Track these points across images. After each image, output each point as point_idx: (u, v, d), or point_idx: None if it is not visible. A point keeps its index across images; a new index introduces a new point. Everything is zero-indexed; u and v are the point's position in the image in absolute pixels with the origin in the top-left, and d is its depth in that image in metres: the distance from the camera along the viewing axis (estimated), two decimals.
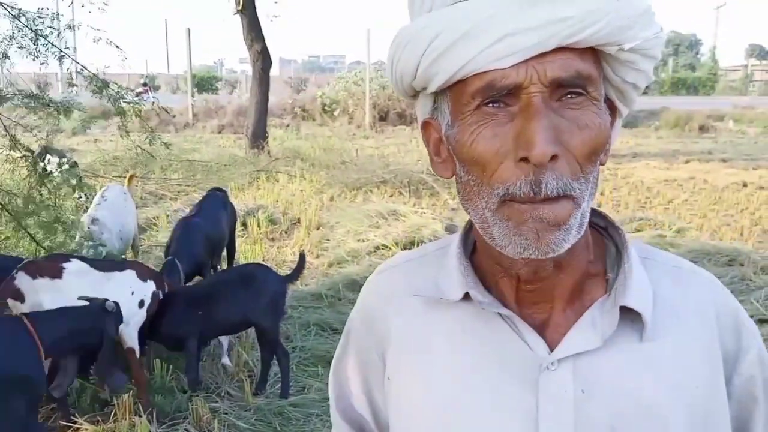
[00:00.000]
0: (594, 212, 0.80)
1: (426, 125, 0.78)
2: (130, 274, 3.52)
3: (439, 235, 6.55)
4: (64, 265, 3.34)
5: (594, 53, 0.68)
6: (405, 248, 6.33)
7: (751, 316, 4.92)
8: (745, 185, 9.60)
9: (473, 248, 0.82)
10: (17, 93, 4.45)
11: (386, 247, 6.35)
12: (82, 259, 3.55)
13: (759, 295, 5.00)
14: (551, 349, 0.73)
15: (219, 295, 3.68)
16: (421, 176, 9.26)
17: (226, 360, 4.02)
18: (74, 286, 3.21)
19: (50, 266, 3.31)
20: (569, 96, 0.66)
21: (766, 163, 12.06)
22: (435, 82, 0.70)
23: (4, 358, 2.71)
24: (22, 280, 3.17)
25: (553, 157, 0.64)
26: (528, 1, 0.64)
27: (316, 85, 29.89)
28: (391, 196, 8.80)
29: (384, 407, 0.86)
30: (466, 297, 0.77)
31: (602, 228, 0.81)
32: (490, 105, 0.67)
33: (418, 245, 7.05)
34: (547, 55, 0.65)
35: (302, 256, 4.10)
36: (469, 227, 0.83)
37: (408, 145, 14.35)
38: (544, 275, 0.73)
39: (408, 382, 0.81)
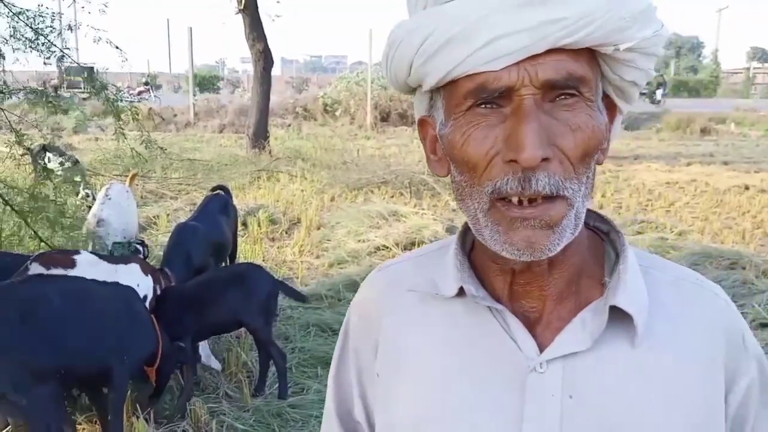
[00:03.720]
0: (597, 216, 0.80)
1: (423, 122, 0.77)
2: (135, 267, 3.57)
3: (440, 236, 6.54)
4: (76, 257, 3.41)
5: (590, 53, 0.67)
6: (406, 249, 6.32)
7: (753, 320, 4.80)
8: (746, 188, 9.57)
9: (472, 246, 0.82)
10: (22, 88, 4.46)
11: (387, 248, 6.33)
12: (91, 252, 3.64)
13: (761, 299, 4.96)
14: (541, 351, 0.72)
15: (211, 295, 3.66)
16: (422, 177, 9.24)
17: (215, 363, 3.91)
18: (87, 277, 3.21)
19: (63, 258, 3.37)
20: (562, 97, 0.66)
21: None
22: (428, 81, 0.70)
23: None
24: (35, 270, 3.18)
25: (545, 159, 0.63)
26: (520, 2, 0.63)
27: (318, 85, 29.93)
28: (392, 196, 8.78)
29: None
30: (461, 294, 0.76)
31: (604, 233, 0.80)
32: (483, 106, 0.67)
33: (418, 246, 6.98)
34: (539, 57, 0.64)
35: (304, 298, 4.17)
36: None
37: (409, 146, 14.34)
38: (538, 270, 0.73)
39: (396, 379, 0.80)
